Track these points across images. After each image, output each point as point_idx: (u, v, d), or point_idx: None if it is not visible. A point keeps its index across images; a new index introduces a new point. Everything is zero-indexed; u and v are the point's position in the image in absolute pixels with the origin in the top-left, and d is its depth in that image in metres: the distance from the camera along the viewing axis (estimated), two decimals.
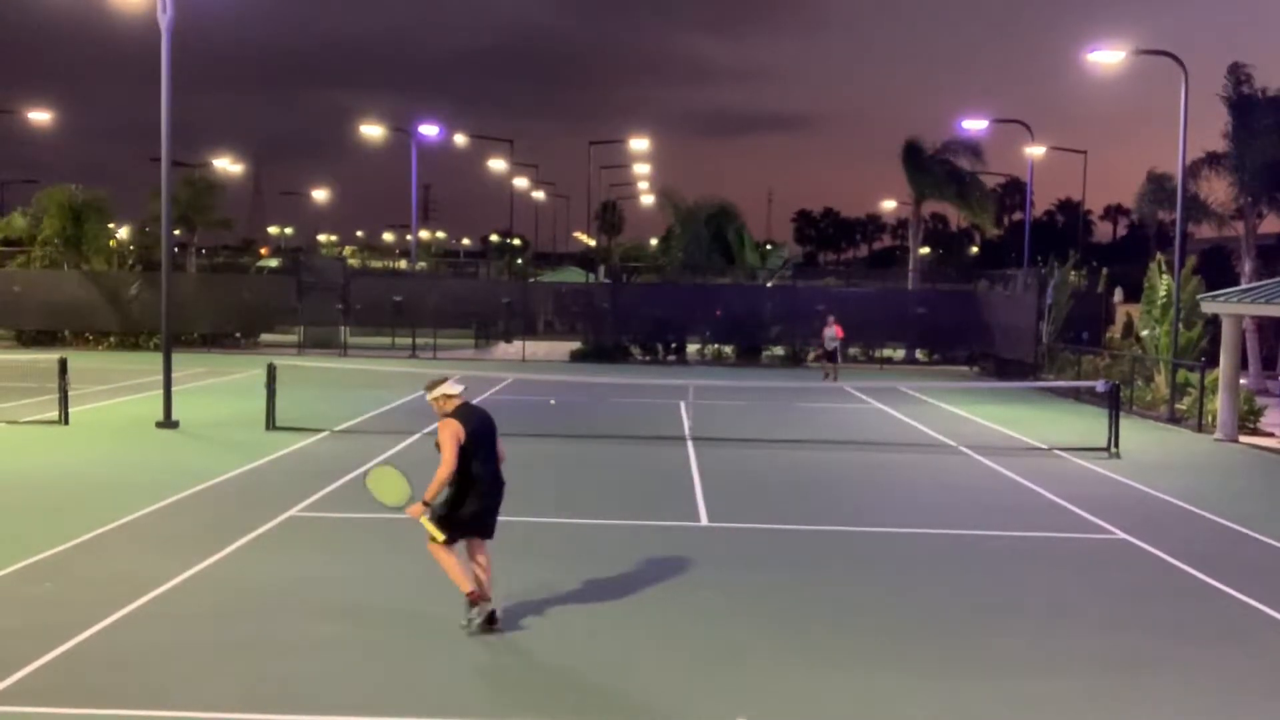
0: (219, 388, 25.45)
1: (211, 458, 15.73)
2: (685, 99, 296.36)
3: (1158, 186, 34.12)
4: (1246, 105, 30.70)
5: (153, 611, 8.78)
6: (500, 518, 12.47)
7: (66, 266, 38.76)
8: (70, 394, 19.16)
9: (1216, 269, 38.96)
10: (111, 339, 36.86)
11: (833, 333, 30.95)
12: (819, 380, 30.64)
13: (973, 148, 41.50)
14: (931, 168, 40.67)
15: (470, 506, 8.43)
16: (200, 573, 9.87)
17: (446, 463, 8.23)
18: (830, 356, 31.22)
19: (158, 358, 20.36)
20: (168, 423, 18.67)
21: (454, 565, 8.45)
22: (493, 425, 8.75)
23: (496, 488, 8.67)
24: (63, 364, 19.25)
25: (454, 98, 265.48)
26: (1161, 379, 25.00)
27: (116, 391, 23.86)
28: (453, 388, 8.75)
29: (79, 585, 9.44)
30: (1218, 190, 32.15)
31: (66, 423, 18.54)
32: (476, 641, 8.31)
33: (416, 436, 18.30)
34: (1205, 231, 38.14)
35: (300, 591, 9.52)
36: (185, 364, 28.04)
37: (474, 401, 8.26)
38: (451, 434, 8.34)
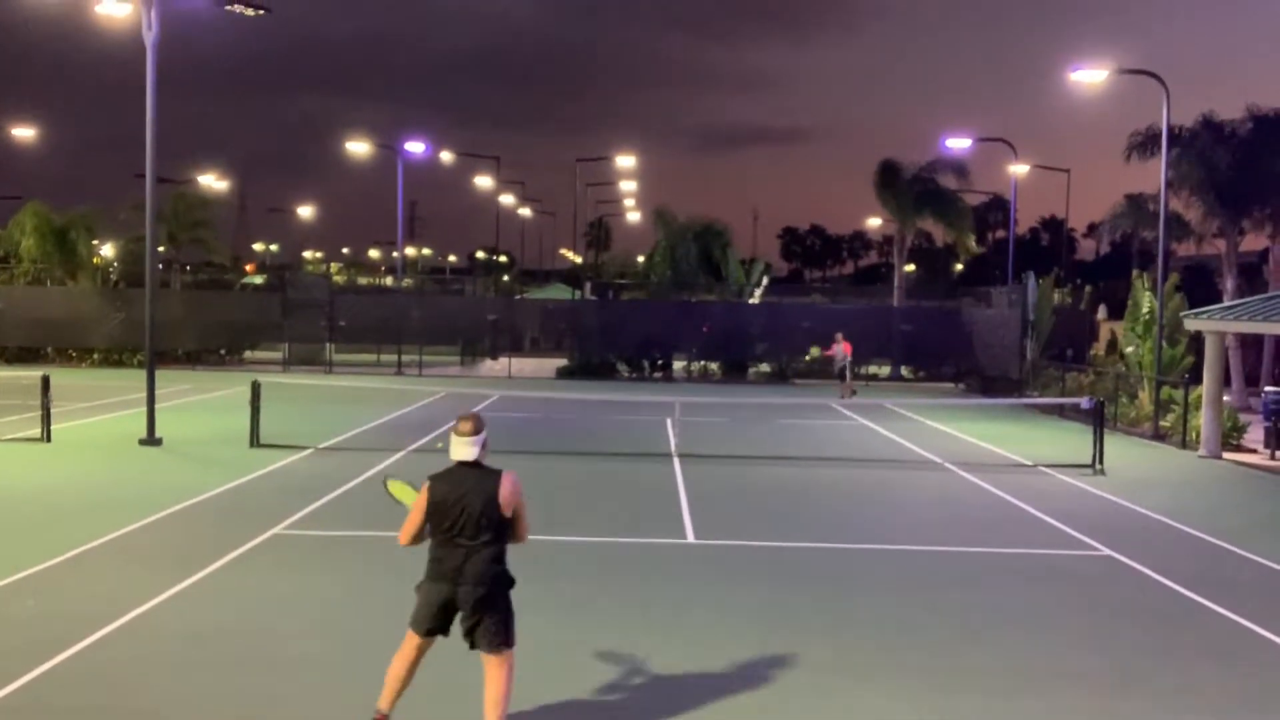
0: (203, 405, 25.34)
1: (195, 475, 15.64)
2: (676, 109, 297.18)
3: (1135, 207, 34.51)
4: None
5: (135, 629, 8.72)
6: None
7: (50, 283, 38.58)
8: (53, 411, 19.05)
9: (1199, 286, 39.19)
10: (95, 356, 36.66)
11: (842, 351, 31.10)
12: (808, 396, 30.72)
13: (957, 166, 41.72)
14: (909, 190, 40.80)
15: (424, 585, 6.85)
16: (183, 590, 9.80)
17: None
18: (840, 375, 31.40)
19: (141, 375, 20.26)
20: (151, 440, 18.57)
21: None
22: None
23: None
24: (45, 381, 19.14)
25: (439, 107, 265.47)
26: (1145, 396, 25.12)
27: (100, 409, 23.74)
28: None
29: (61, 603, 9.37)
30: (1190, 210, 32.74)
31: (49, 440, 18.43)
32: (460, 660, 8.25)
33: (401, 454, 18.25)
34: (1187, 249, 38.49)
35: (283, 609, 9.46)
36: (169, 381, 27.92)
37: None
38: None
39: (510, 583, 6.61)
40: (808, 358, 34.79)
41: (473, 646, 6.61)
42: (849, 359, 31.47)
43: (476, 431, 6.58)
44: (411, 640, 6.66)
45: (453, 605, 6.51)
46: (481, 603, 6.47)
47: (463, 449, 6.54)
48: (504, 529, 6.56)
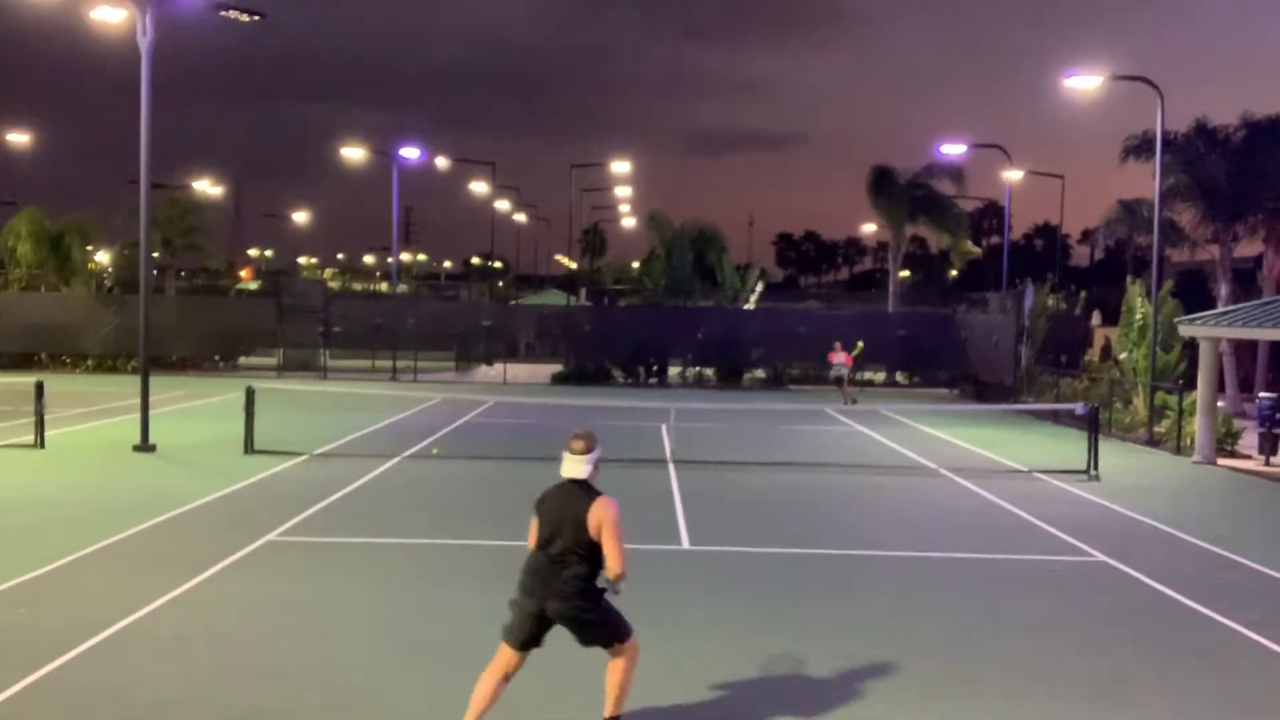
0: (197, 411, 25.29)
1: (189, 481, 15.61)
2: (671, 115, 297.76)
3: (1128, 212, 34.58)
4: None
5: (129, 637, 8.69)
6: (480, 541, 12.50)
7: (44, 289, 38.52)
8: (47, 417, 19.02)
9: (1193, 292, 39.24)
10: (89, 362, 36.60)
11: (841, 360, 31.27)
12: (803, 402, 30.71)
13: (952, 171, 41.72)
14: (903, 196, 40.81)
15: (517, 598, 6.85)
16: (177, 598, 9.77)
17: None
18: (836, 382, 31.60)
19: (135, 381, 20.23)
20: (145, 446, 18.53)
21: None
22: None
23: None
24: (39, 387, 19.10)
25: (434, 114, 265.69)
26: (1140, 402, 25.14)
27: (93, 415, 23.68)
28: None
29: (54, 611, 9.33)
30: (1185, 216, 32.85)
31: (43, 446, 18.38)
32: (455, 665, 8.25)
33: (396, 460, 18.22)
34: (1181, 255, 38.55)
35: (277, 616, 9.43)
36: (163, 387, 27.85)
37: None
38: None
39: (596, 595, 6.58)
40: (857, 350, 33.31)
41: (587, 645, 6.77)
42: (848, 369, 31.70)
43: (588, 450, 6.68)
44: (504, 654, 6.64)
45: (545, 618, 6.57)
46: (570, 618, 6.57)
47: (572, 466, 6.67)
48: (593, 550, 6.53)
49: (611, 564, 6.49)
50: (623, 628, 6.72)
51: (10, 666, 7.83)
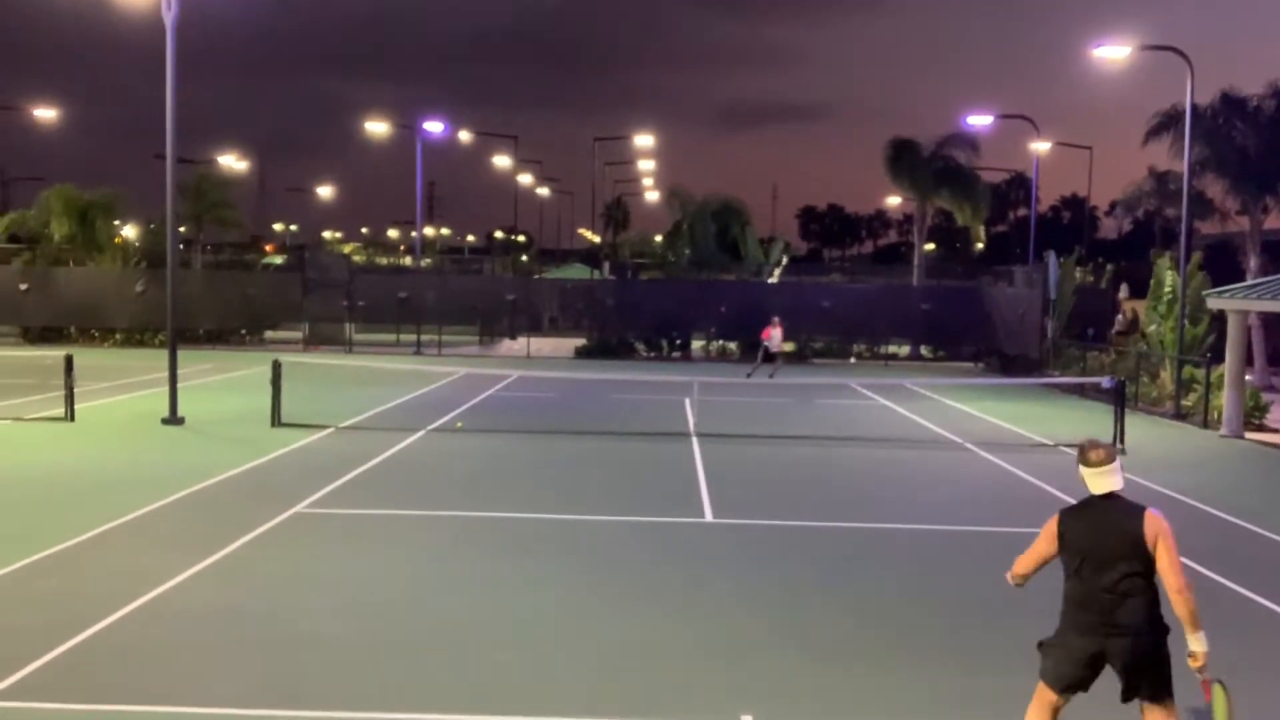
0: (224, 384, 25.50)
1: (216, 454, 15.76)
2: (695, 87, 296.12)
3: (1158, 183, 34.22)
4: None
5: (158, 608, 8.80)
6: (504, 514, 12.56)
7: (73, 264, 38.83)
8: (76, 391, 19.21)
9: (1222, 265, 38.80)
10: (117, 336, 36.93)
11: (777, 335, 30.47)
12: (827, 376, 30.63)
13: (970, 142, 41.25)
14: (925, 168, 40.29)
15: (1062, 636, 5.95)
16: (205, 569, 9.89)
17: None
18: (769, 358, 30.64)
19: (163, 354, 20.41)
20: (173, 419, 18.70)
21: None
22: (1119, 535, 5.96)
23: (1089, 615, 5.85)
24: (69, 361, 19.29)
25: (457, 86, 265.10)
26: (1167, 375, 24.96)
27: (122, 388, 23.91)
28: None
29: (84, 581, 9.47)
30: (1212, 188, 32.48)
31: (72, 419, 18.58)
32: (480, 638, 8.33)
33: (421, 433, 18.33)
34: (1210, 227, 38.16)
35: (305, 588, 9.54)
36: (190, 361, 28.09)
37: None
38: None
39: (1166, 630, 5.85)
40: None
41: (1128, 700, 5.91)
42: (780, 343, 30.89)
43: (1112, 458, 6.02)
44: (1045, 696, 5.94)
45: (1101, 659, 5.81)
46: (1139, 657, 5.79)
47: (1104, 480, 6.02)
48: (1153, 570, 5.82)
49: (1171, 580, 5.75)
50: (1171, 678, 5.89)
51: (43, 636, 7.93)
